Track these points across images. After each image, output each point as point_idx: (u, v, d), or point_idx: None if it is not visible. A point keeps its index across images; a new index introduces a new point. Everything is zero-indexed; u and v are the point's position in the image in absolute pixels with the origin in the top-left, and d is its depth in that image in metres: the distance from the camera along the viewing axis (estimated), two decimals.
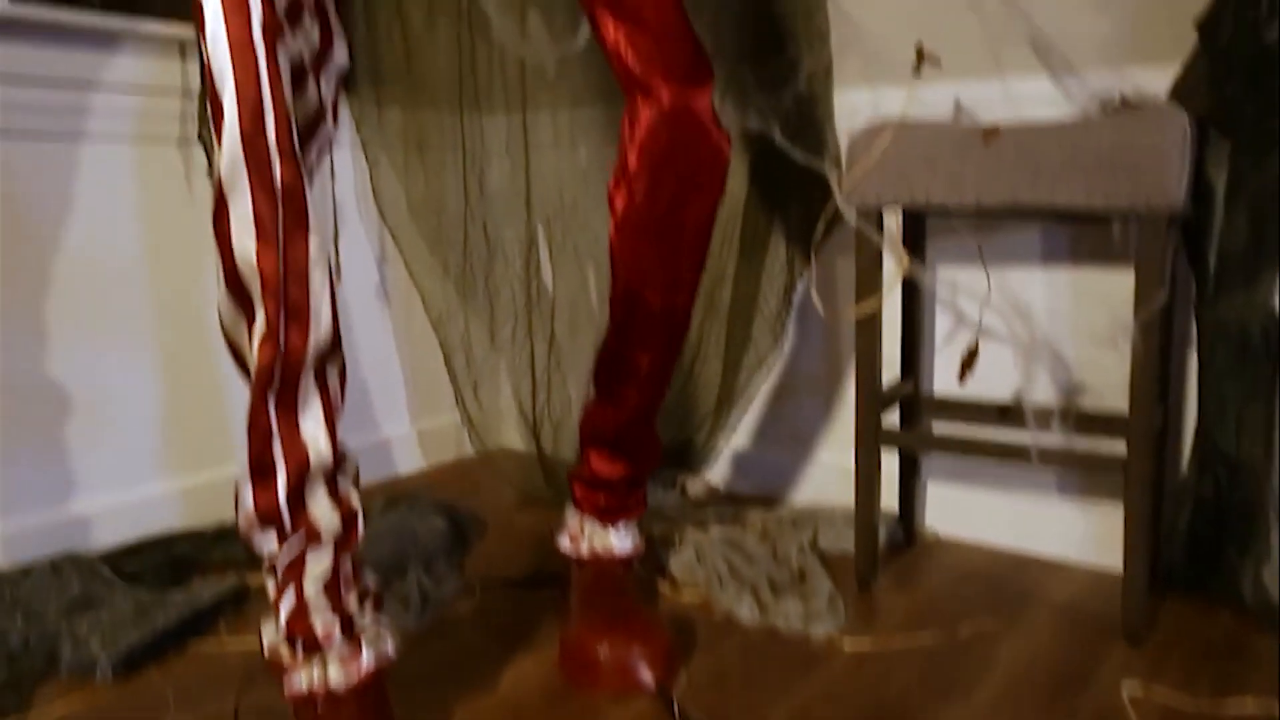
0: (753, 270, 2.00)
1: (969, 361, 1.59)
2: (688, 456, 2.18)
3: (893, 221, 1.71)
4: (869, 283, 1.58)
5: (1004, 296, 1.79)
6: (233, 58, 0.98)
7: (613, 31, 1.23)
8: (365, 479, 2.26)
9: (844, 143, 1.88)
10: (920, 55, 1.57)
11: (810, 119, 1.72)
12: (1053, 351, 1.77)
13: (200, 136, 1.85)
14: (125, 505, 1.86)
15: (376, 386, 2.32)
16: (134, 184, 1.83)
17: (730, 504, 2.09)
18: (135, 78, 1.79)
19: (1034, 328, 1.78)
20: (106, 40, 1.75)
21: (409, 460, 2.39)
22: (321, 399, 1.06)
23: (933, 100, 1.77)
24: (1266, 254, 1.50)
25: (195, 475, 1.97)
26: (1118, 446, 1.68)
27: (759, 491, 2.16)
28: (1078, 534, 1.78)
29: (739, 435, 2.18)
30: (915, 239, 1.74)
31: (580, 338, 2.13)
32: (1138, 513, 1.46)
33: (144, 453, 1.90)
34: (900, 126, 1.52)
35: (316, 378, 1.05)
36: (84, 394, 1.80)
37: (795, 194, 1.91)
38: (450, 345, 2.17)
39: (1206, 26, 1.53)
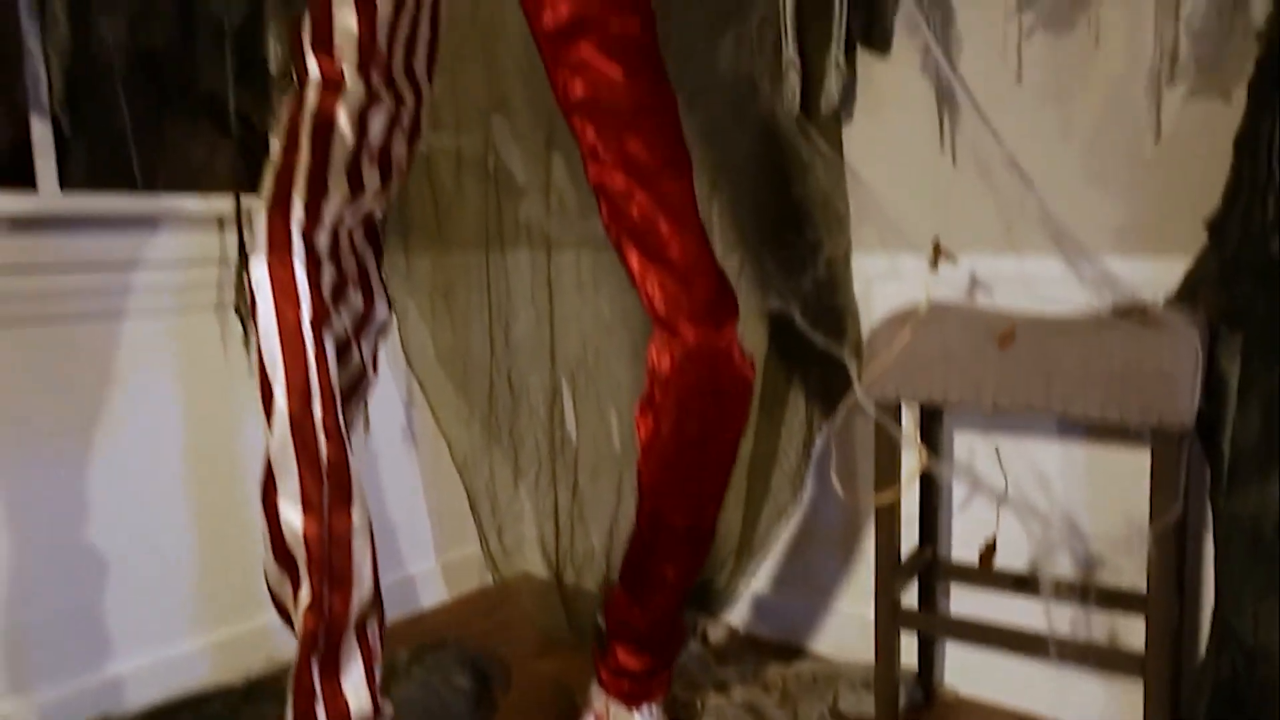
0: (772, 426, 2.03)
1: (988, 556, 1.61)
2: (708, 599, 2.20)
3: (911, 414, 1.74)
4: (888, 471, 1.61)
5: (1021, 466, 1.82)
6: (283, 347, 1.03)
7: (637, 266, 1.28)
8: (390, 616, 2.30)
9: (862, 309, 1.93)
10: (937, 251, 1.62)
11: (830, 303, 1.76)
12: (1069, 522, 1.80)
13: (237, 309, 1.91)
14: (158, 664, 1.90)
15: (402, 525, 2.36)
16: (171, 351, 1.89)
17: (750, 651, 2.11)
18: (175, 253, 1.86)
19: (1051, 498, 1.80)
20: (149, 222, 1.81)
21: (433, 594, 2.43)
22: (363, 655, 1.10)
23: (949, 274, 1.82)
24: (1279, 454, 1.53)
25: (225, 629, 2.01)
26: (1136, 625, 1.70)
27: (778, 636, 2.18)
28: (1097, 703, 1.79)
29: (759, 579, 2.20)
30: (932, 421, 1.77)
31: (602, 483, 2.17)
32: (1157, 704, 1.48)
33: (176, 610, 1.94)
34: (919, 322, 1.56)
35: (358, 635, 1.09)
36: (120, 557, 1.84)
37: (815, 352, 1.95)
38: (475, 491, 2.21)
39: (1215, 226, 1.57)
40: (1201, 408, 1.53)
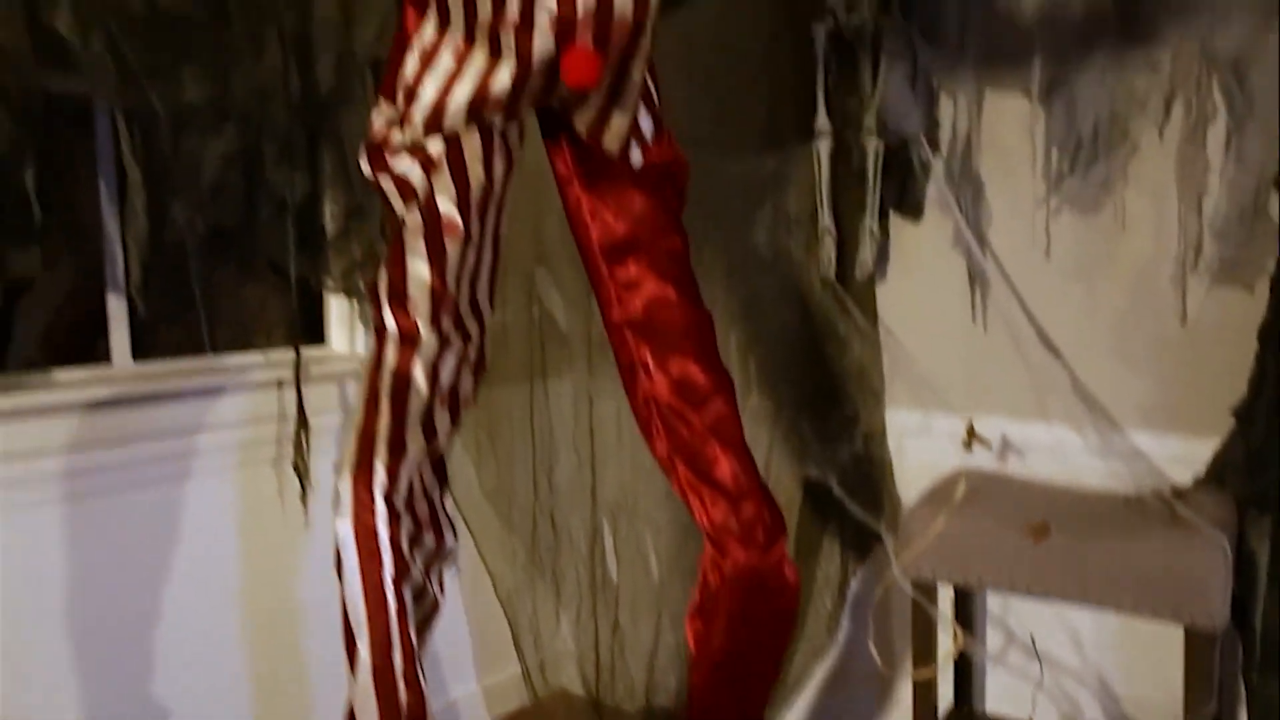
0: (808, 572, 2.09)
1: None
2: None
3: (947, 591, 1.80)
4: (924, 647, 1.66)
5: (1055, 624, 1.87)
6: (367, 605, 1.10)
7: (686, 483, 1.35)
8: None
9: (895, 462, 1.99)
10: (971, 434, 1.68)
11: (867, 476, 1.82)
12: (1101, 682, 1.84)
13: (295, 467, 1.99)
14: None
15: (445, 652, 2.42)
16: (231, 506, 1.97)
17: None
18: (237, 413, 1.95)
19: (1084, 658, 1.85)
20: (215, 387, 1.91)
21: (475, 717, 2.48)
22: None
23: (981, 430, 1.88)
24: None
25: None
26: None
27: None
28: None
29: (794, 712, 2.25)
30: (967, 595, 1.83)
31: (641, 619, 2.23)
32: None
33: None
34: (954, 508, 1.62)
35: None
36: (181, 708, 1.92)
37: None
38: (519, 626, 2.28)
39: (1241, 415, 1.62)
40: (1233, 589, 1.58)
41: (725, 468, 1.32)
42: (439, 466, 1.30)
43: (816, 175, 1.94)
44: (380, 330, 1.23)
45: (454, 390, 1.27)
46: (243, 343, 2.07)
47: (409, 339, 1.21)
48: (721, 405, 1.34)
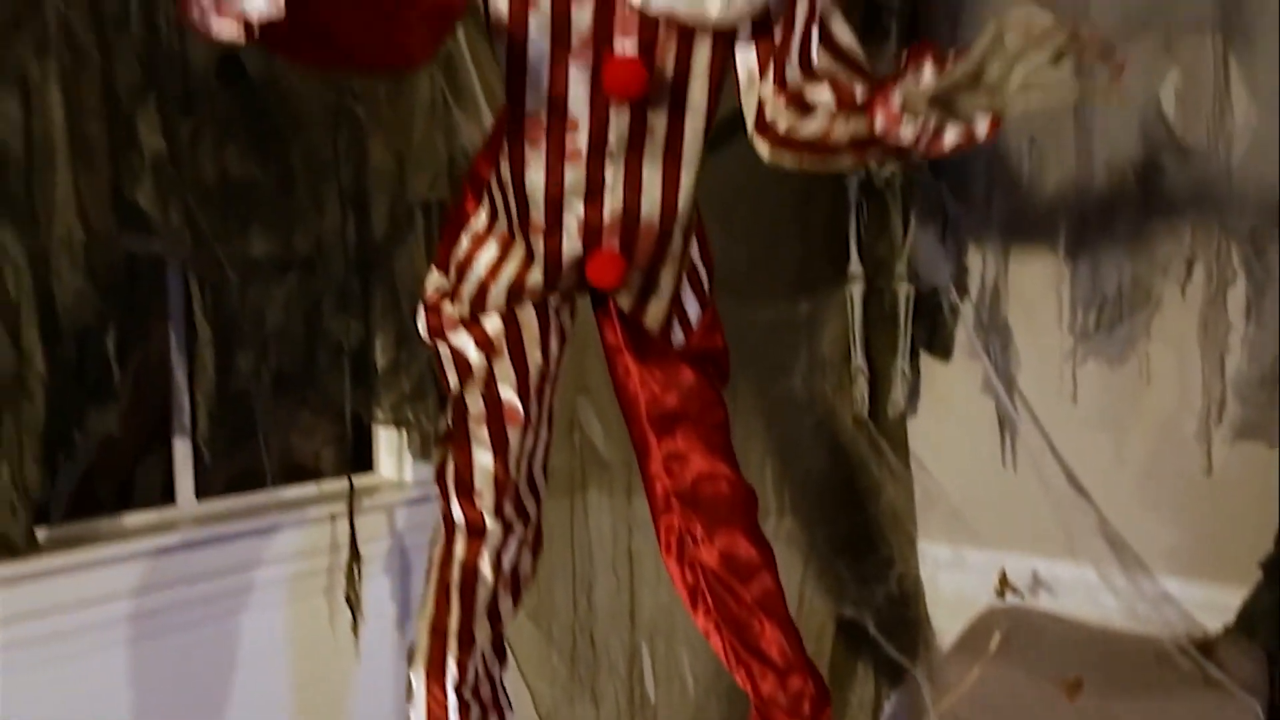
0: (841, 697, 2.13)
1: None
2: None
3: None
4: None
5: None
6: None
7: (731, 654, 1.41)
8: None
9: (929, 593, 2.04)
10: (1004, 583, 1.74)
11: (903, 617, 1.88)
12: None
13: (347, 598, 2.07)
14: None
15: None
16: (283, 636, 2.04)
17: None
18: (291, 547, 2.02)
19: None
20: (273, 525, 1.99)
21: None
22: None
23: (1013, 568, 1.94)
24: None
25: None
26: None
27: None
28: None
29: None
30: None
31: None
32: None
33: None
34: (989, 659, 1.68)
35: None
36: None
37: (880, 625, 2.06)
38: None
39: (1269, 567, 1.68)
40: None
41: (773, 641, 1.38)
42: (499, 646, 1.37)
43: (850, 318, 2.02)
44: (449, 522, 1.30)
45: (515, 571, 1.34)
46: (292, 469, 2.16)
47: (476, 531, 1.29)
48: (768, 579, 1.40)
